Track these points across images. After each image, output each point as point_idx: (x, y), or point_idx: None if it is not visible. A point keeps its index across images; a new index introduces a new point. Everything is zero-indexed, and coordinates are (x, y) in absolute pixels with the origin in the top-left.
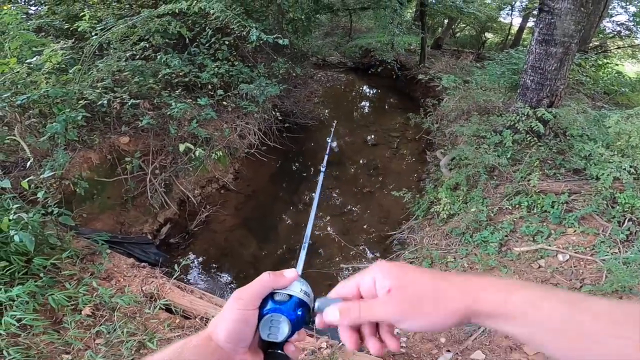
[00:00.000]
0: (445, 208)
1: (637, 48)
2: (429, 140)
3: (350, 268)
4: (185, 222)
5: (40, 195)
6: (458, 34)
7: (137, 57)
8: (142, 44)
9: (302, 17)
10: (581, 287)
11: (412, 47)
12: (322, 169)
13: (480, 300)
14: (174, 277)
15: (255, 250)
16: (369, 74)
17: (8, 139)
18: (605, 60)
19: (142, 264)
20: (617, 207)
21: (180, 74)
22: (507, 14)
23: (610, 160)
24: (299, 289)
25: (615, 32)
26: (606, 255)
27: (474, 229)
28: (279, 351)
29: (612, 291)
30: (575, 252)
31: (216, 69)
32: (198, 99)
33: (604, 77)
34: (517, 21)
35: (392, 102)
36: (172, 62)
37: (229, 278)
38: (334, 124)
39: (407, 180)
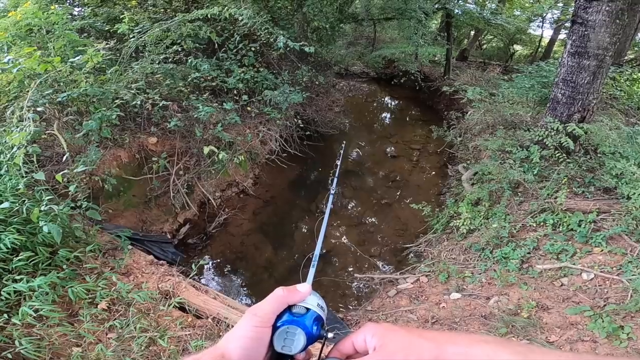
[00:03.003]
0: (465, 223)
1: None
2: (451, 153)
3: (366, 279)
4: (204, 224)
5: (72, 188)
6: (485, 46)
7: (170, 60)
8: (174, 47)
9: (327, 26)
10: (605, 305)
11: (436, 59)
12: (332, 192)
13: (448, 352)
14: (190, 276)
15: (270, 255)
16: (391, 85)
17: (45, 134)
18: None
19: (161, 261)
20: None
21: (209, 78)
22: (538, 26)
23: None
24: (315, 302)
25: None
26: (633, 276)
27: (494, 245)
28: None
29: (637, 310)
30: (600, 272)
31: (242, 74)
32: (224, 104)
33: (639, 92)
34: (547, 33)
35: (414, 113)
36: (202, 67)
37: (243, 281)
38: (343, 145)
39: (426, 193)
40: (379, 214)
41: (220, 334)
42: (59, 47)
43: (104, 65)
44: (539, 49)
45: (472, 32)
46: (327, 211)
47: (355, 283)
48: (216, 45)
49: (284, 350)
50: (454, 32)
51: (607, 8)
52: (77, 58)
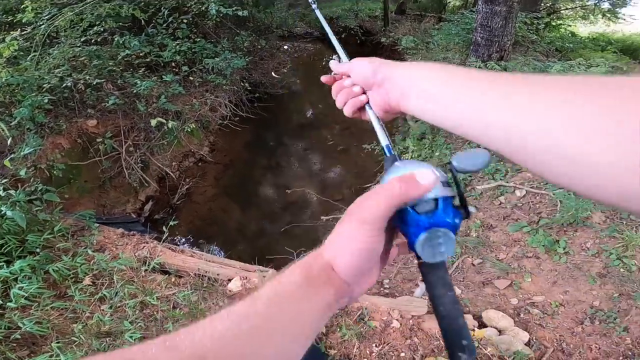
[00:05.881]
0: (413, 156)
1: (588, 9)
2: None
3: (331, 219)
4: (167, 198)
5: (22, 173)
6: None
7: (92, 42)
8: (95, 28)
9: None
10: (539, 220)
11: (376, 14)
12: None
13: (380, 70)
14: (164, 239)
15: (239, 216)
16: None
17: None
18: (559, 22)
19: (132, 232)
20: None
21: (141, 54)
22: None
23: None
24: (436, 183)
25: None
26: (556, 189)
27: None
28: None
29: (568, 224)
30: (530, 187)
31: (177, 47)
32: (163, 77)
33: (556, 36)
34: None
35: None
36: (131, 44)
37: (218, 244)
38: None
39: None
40: (337, 160)
41: (205, 285)
42: None
43: (18, 55)
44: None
45: None
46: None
47: (324, 226)
48: (143, 22)
49: (438, 258)
50: None
51: None
52: None
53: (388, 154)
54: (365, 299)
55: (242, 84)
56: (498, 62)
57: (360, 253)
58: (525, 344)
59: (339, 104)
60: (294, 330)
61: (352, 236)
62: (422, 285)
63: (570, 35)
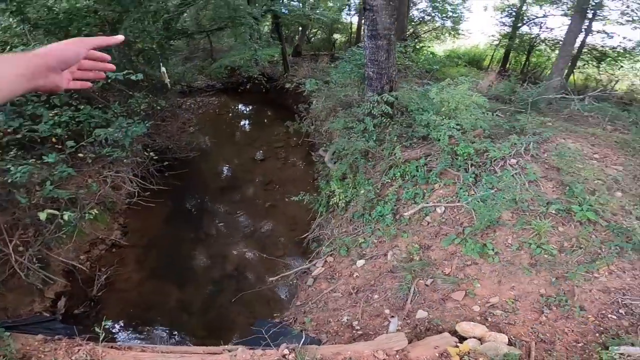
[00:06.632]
0: (341, 198)
1: (439, 30)
2: (310, 142)
3: (279, 278)
4: (83, 291)
5: None
6: (312, 39)
7: None
8: None
9: (153, 46)
10: (464, 230)
11: (275, 59)
12: None
13: None
14: (102, 340)
15: (179, 295)
16: (239, 92)
17: None
18: (421, 45)
19: (57, 336)
20: (459, 157)
21: (9, 131)
22: (347, 14)
23: (442, 124)
24: None
25: (420, 19)
26: (467, 199)
27: (369, 207)
28: None
29: (487, 227)
30: (447, 203)
31: (56, 117)
32: (43, 157)
33: (422, 59)
34: (355, 19)
35: (269, 114)
36: None
37: (164, 329)
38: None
39: (302, 183)
40: (268, 217)
41: None
42: None
43: None
44: (352, 35)
45: (300, 28)
46: None
47: (275, 287)
48: None
49: None
50: (285, 30)
51: None
52: None
53: None
54: (346, 349)
55: (146, 153)
56: (390, 93)
57: (68, 48)
58: (508, 344)
59: None
60: None
61: (66, 41)
62: (395, 319)
63: (431, 55)
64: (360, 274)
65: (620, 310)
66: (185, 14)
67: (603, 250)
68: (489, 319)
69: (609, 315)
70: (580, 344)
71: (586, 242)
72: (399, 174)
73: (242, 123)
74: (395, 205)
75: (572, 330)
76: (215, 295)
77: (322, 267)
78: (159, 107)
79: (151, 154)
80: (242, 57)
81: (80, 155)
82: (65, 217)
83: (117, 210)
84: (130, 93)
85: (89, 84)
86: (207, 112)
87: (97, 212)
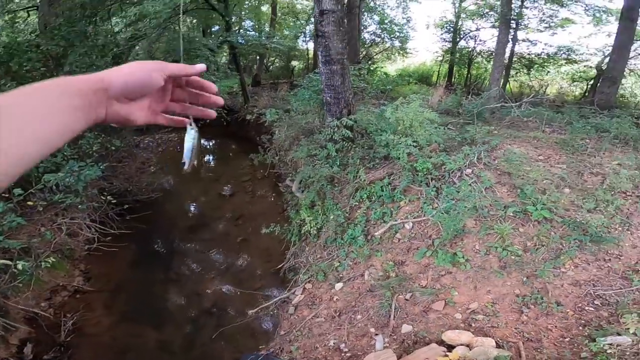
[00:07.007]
0: (312, 225)
1: (389, 50)
2: (276, 173)
3: (259, 310)
4: (50, 337)
5: None
6: (271, 67)
7: None
8: None
9: None
10: (433, 242)
11: (234, 90)
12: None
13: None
14: None
15: (157, 335)
16: (200, 127)
17: None
18: (374, 66)
19: None
20: (419, 173)
21: None
22: (304, 41)
23: (400, 142)
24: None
25: (372, 41)
26: (432, 212)
27: (341, 231)
28: None
29: (454, 236)
30: (414, 219)
31: None
32: None
33: (376, 80)
34: (311, 45)
35: (233, 148)
36: None
37: None
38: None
39: (273, 215)
40: (242, 251)
41: None
42: None
43: None
44: (309, 61)
45: (258, 58)
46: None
47: (256, 319)
48: None
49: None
50: (242, 60)
51: (333, 19)
52: None
53: None
54: None
55: (102, 197)
56: (349, 117)
57: (135, 72)
58: (496, 347)
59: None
60: (41, 111)
61: (137, 64)
62: (380, 337)
63: (385, 75)
64: (341, 297)
65: (596, 302)
66: (137, 47)
67: (564, 245)
68: (473, 325)
69: (587, 308)
70: (567, 339)
71: (547, 239)
72: (365, 195)
73: (205, 159)
74: (365, 227)
75: (556, 326)
76: (195, 334)
77: (302, 294)
78: (113, 148)
79: (109, 197)
80: None
81: (30, 203)
82: (20, 267)
83: (77, 257)
84: (81, 134)
85: (184, 119)
86: (168, 149)
87: (54, 259)
